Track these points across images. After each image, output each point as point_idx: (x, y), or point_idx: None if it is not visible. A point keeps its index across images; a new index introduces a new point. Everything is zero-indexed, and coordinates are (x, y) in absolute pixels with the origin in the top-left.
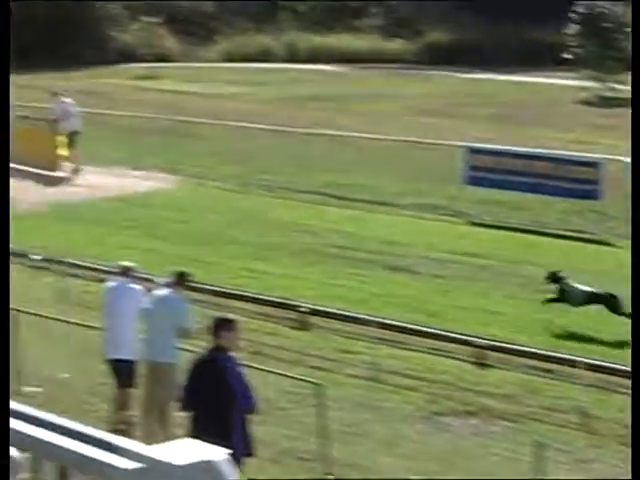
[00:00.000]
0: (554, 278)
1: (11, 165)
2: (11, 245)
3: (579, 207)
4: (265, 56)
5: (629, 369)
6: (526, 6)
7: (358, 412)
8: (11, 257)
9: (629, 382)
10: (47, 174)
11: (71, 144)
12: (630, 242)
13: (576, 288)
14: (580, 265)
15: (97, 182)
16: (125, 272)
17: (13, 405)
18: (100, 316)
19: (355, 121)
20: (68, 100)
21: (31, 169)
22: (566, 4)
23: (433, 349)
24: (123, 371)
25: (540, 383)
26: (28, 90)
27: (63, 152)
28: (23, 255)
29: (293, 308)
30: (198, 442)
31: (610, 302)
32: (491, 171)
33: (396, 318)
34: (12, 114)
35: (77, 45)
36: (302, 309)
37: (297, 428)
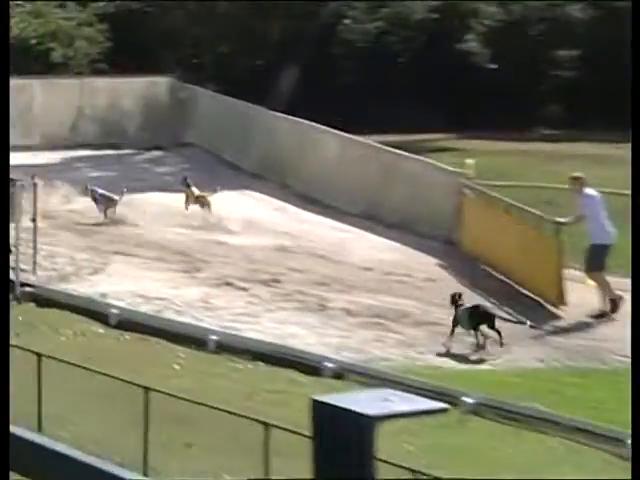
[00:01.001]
0: (453, 302)
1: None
2: None
3: None
4: None
5: None
6: None
7: None
8: None
9: None
10: (548, 309)
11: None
12: None
13: (464, 309)
14: None
15: None
16: None
17: None
18: None
19: None
20: (595, 194)
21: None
22: None
23: None
24: None
25: None
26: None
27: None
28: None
29: None
30: None
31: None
32: None
33: None
34: None
35: None
36: None
37: None
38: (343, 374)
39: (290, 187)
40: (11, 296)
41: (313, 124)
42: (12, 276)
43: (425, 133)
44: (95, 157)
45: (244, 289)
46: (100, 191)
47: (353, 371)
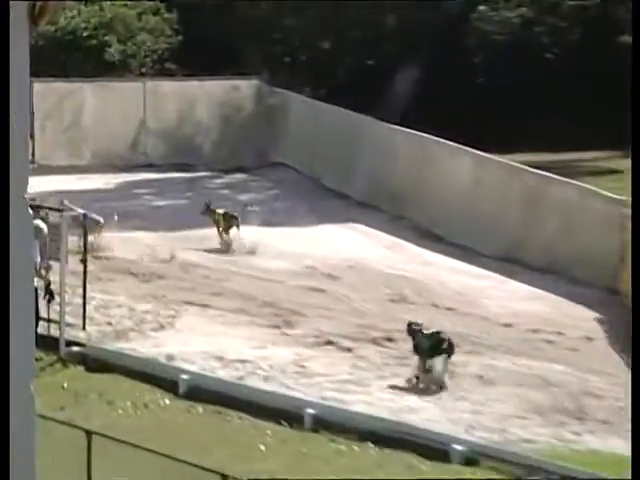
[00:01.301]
0: (409, 331)
1: None
2: None
3: None
4: None
5: None
6: None
7: None
8: None
9: None
10: None
11: None
12: None
13: (423, 336)
14: None
15: None
16: None
17: None
18: None
19: None
20: None
21: None
22: None
23: None
24: None
25: None
26: None
27: None
28: None
29: None
30: None
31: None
32: None
33: None
34: None
35: None
36: None
37: None
38: (476, 459)
39: (408, 219)
40: (54, 357)
41: (437, 139)
42: (55, 332)
43: (582, 151)
44: (160, 181)
45: (349, 350)
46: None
47: (488, 455)
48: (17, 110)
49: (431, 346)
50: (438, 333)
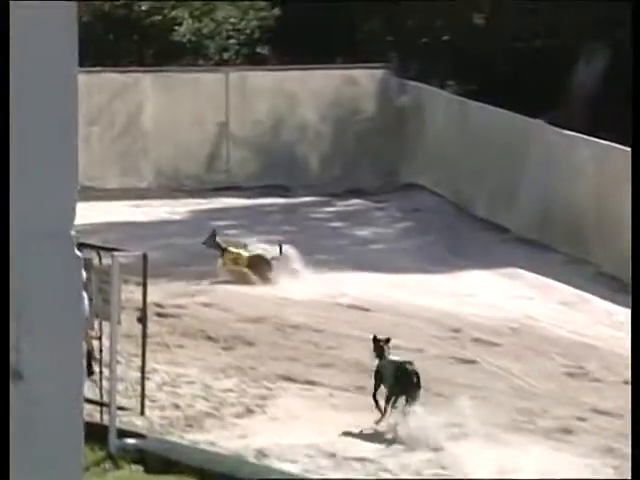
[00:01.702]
0: (378, 353)
1: None
2: None
3: None
4: None
5: None
6: None
7: None
8: None
9: None
10: None
11: None
12: None
13: (389, 362)
14: None
15: None
16: None
17: None
18: None
19: None
20: None
21: None
22: None
23: None
24: None
25: None
26: None
27: None
28: None
29: None
30: None
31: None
32: None
33: None
34: None
35: None
36: None
37: None
38: None
39: (593, 263)
40: (102, 453)
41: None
42: (104, 419)
43: None
44: (248, 210)
45: (509, 444)
46: None
47: None
48: (62, 112)
49: (395, 376)
50: (408, 363)
